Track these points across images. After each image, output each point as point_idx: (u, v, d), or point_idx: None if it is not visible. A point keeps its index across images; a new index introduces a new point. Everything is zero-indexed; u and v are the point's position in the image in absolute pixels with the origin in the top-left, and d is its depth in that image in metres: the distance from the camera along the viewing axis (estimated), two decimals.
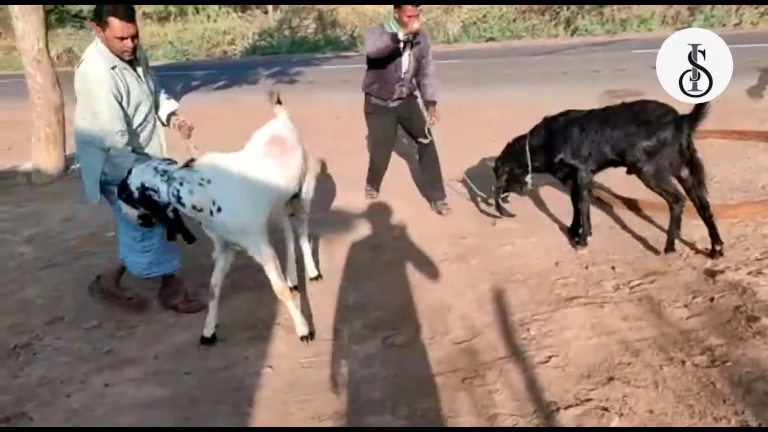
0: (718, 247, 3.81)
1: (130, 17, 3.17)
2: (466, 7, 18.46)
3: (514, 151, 4.46)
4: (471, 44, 16.93)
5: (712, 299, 3.27)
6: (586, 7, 16.65)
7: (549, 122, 4.26)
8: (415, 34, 4.70)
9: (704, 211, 3.86)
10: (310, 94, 10.76)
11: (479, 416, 2.60)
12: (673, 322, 3.13)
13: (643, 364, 2.81)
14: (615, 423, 2.45)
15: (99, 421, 2.78)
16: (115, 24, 3.14)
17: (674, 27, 15.43)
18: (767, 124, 6.37)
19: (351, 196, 5.51)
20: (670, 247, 3.94)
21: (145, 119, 3.52)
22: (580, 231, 4.19)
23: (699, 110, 3.75)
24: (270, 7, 21.30)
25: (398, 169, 5.91)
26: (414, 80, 5.05)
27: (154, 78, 3.64)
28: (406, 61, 4.89)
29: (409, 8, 4.62)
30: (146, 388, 3.02)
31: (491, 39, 17.10)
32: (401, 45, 4.76)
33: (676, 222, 3.92)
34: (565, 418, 2.52)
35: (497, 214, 4.65)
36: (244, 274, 4.15)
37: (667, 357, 2.84)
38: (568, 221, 4.61)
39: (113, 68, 3.25)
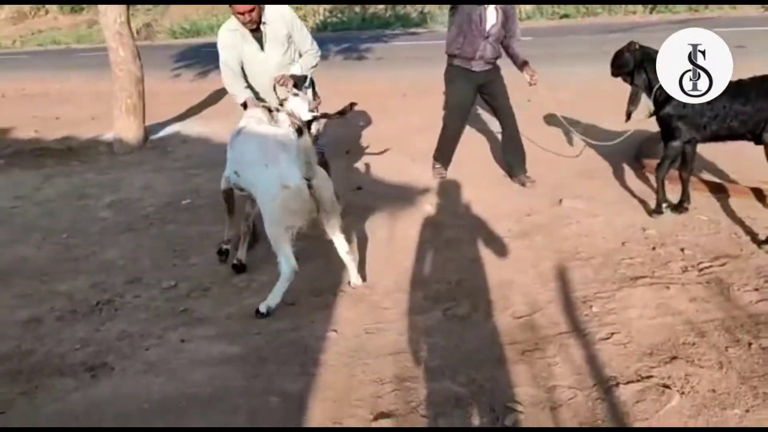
0: None
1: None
2: None
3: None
4: (544, 21, 16.52)
5: None
6: None
7: None
8: None
9: None
10: (378, 71, 10.81)
11: (538, 387, 2.64)
12: (742, 305, 3.07)
13: (708, 345, 2.77)
14: (675, 400, 2.44)
15: (174, 373, 2.96)
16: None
17: (761, 5, 14.65)
18: None
19: (416, 173, 5.55)
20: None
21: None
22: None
23: None
24: None
25: (463, 144, 5.88)
26: (499, 44, 4.96)
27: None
28: (492, 14, 4.82)
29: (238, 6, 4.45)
30: (219, 345, 3.19)
31: (566, 16, 16.62)
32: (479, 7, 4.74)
33: None
34: (625, 394, 2.52)
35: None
36: (312, 243, 4.29)
37: (734, 339, 2.79)
38: (636, 200, 4.55)
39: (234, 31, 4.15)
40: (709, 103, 3.93)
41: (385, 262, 4.00)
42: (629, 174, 5.07)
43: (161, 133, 7.99)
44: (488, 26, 4.83)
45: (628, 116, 4.39)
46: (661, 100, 4.13)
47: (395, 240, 4.32)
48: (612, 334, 2.94)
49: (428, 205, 4.84)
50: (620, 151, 5.29)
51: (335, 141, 6.70)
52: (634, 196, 4.66)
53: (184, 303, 3.66)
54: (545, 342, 2.95)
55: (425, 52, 12.12)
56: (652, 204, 4.41)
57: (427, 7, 18.99)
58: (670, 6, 15.49)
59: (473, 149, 6.11)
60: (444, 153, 5.46)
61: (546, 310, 3.24)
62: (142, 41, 20.20)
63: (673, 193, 4.41)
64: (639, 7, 16.02)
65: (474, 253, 4.00)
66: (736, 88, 3.91)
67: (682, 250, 3.76)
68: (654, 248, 3.82)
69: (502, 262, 3.83)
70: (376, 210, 4.80)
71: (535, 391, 2.62)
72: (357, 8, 20.11)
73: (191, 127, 8.28)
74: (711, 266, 3.52)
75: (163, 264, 4.21)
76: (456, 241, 4.20)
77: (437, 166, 5.51)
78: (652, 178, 4.90)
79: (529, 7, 17.58)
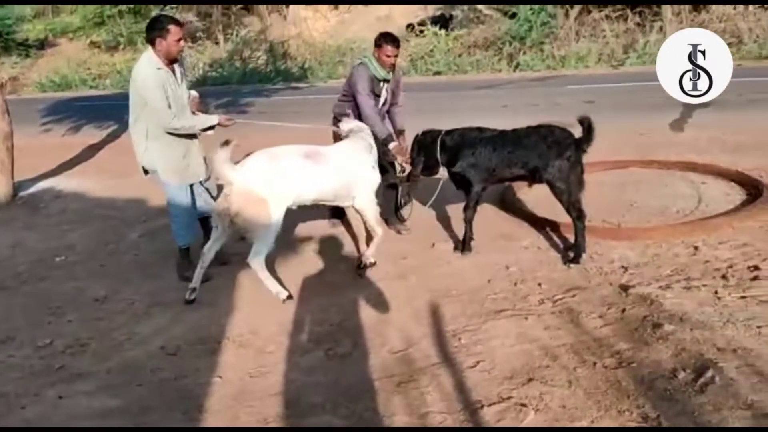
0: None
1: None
2: (413, 42, 19.05)
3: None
4: (418, 77, 17.44)
5: (623, 310, 3.63)
6: (528, 43, 17.41)
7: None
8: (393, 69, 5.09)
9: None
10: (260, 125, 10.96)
11: (411, 415, 2.86)
12: (588, 330, 3.47)
13: (559, 367, 3.12)
14: (531, 417, 2.74)
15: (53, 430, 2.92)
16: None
17: (609, 64, 16.32)
18: (686, 156, 6.90)
19: (300, 220, 5.73)
20: (577, 258, 4.39)
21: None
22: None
23: (588, 133, 4.25)
24: (221, 38, 21.54)
25: None
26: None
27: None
28: (383, 95, 5.20)
29: (389, 48, 4.94)
30: (99, 399, 3.17)
31: (438, 73, 17.67)
32: (381, 84, 5.10)
33: (582, 235, 4.42)
34: (488, 414, 2.80)
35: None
36: (199, 291, 4.35)
37: (581, 360, 3.16)
38: (500, 242, 4.97)
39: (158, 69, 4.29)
40: (494, 150, 4.49)
41: (270, 307, 4.12)
42: (494, 218, 5.51)
43: (32, 189, 7.70)
44: (380, 105, 5.21)
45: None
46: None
47: (280, 284, 4.46)
48: (478, 362, 3.23)
49: (311, 252, 5.02)
50: (486, 198, 5.75)
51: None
52: (498, 237, 5.08)
53: (60, 360, 3.60)
54: (419, 373, 3.19)
55: (307, 107, 12.48)
56: (515, 244, 4.86)
57: (308, 62, 19.51)
58: (532, 65, 16.89)
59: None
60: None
61: (420, 344, 3.50)
62: (8, 95, 19.24)
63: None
64: (504, 65, 17.34)
65: (355, 295, 4.21)
66: (514, 137, 4.52)
67: (540, 284, 4.16)
68: (516, 284, 4.21)
69: (380, 303, 4.07)
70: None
71: (409, 418, 2.84)
72: (237, 63, 20.30)
73: (65, 183, 8.04)
74: (563, 297, 3.93)
75: (37, 322, 4.11)
76: (338, 285, 4.41)
77: (333, 219, 5.66)
78: (514, 221, 5.39)
79: (404, 64, 18.53)
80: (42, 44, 24.28)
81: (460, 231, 5.16)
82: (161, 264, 4.94)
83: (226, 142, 3.98)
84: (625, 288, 3.94)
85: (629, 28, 17.37)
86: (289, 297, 4.17)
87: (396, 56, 5.02)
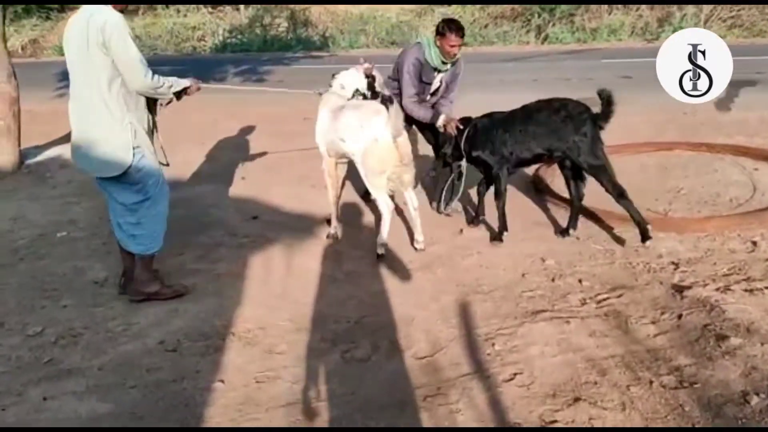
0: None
1: None
2: (439, 11, 18.42)
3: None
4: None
5: (679, 316, 3.20)
6: (558, 15, 16.73)
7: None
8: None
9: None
10: (278, 94, 10.55)
11: None
12: (640, 339, 3.05)
13: (609, 384, 2.71)
14: None
15: None
16: None
17: (643, 38, 15.61)
18: (735, 138, 6.40)
19: (316, 200, 5.34)
20: (645, 239, 4.01)
21: None
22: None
23: (607, 107, 3.95)
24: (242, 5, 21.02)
25: None
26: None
27: None
28: (436, 85, 4.82)
29: (453, 38, 4.54)
30: (87, 402, 2.83)
31: (463, 44, 17.07)
32: (434, 72, 4.71)
33: (636, 212, 4.04)
34: None
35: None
36: (203, 278, 4.00)
37: (635, 377, 2.75)
38: (535, 230, 4.55)
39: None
40: (505, 131, 4.17)
41: (281, 298, 3.75)
42: (525, 202, 5.08)
43: (39, 157, 7.35)
44: (428, 95, 4.89)
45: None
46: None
47: (293, 273, 4.09)
48: (515, 374, 2.83)
49: (326, 234, 4.64)
50: (516, 179, 5.31)
51: (230, 166, 6.42)
52: (532, 225, 4.66)
53: (50, 352, 3.26)
54: (447, 386, 2.80)
55: (327, 76, 12.00)
56: (550, 233, 4.45)
57: (329, 30, 18.96)
58: (561, 37, 16.22)
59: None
60: None
61: (448, 349, 3.11)
62: (27, 58, 18.98)
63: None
64: (532, 38, 16.67)
65: (375, 287, 3.83)
66: (523, 115, 4.20)
67: (580, 281, 3.74)
68: (553, 279, 3.79)
69: (403, 297, 3.67)
70: (273, 241, 4.56)
71: None
72: (258, 30, 19.79)
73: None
74: (608, 297, 3.51)
75: (30, 306, 3.77)
76: (356, 274, 4.02)
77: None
78: (549, 206, 4.95)
79: (429, 34, 17.90)
80: (63, 6, 23.88)
81: (490, 216, 4.75)
82: (168, 244, 4.57)
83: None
84: (678, 289, 3.52)
85: None
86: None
87: (460, 46, 4.62)
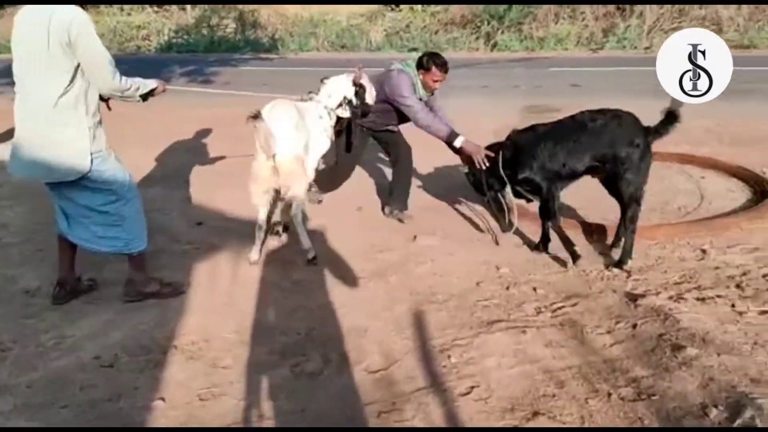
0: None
1: None
2: (389, 16, 18.41)
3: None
4: (394, 53, 16.82)
5: (634, 325, 3.17)
6: (506, 23, 16.91)
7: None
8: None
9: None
10: (226, 95, 10.29)
11: None
12: (596, 349, 3.01)
13: (568, 397, 2.65)
14: None
15: None
16: None
17: (588, 48, 15.91)
18: (681, 146, 6.50)
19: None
20: (621, 264, 3.90)
21: None
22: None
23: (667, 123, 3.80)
24: (188, 4, 20.53)
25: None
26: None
27: None
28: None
29: (438, 73, 4.45)
30: (14, 422, 2.61)
31: (413, 49, 17.00)
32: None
33: (632, 238, 3.95)
34: None
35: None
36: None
37: (593, 389, 2.69)
38: (489, 237, 4.49)
39: None
40: (556, 144, 3.93)
41: (226, 309, 3.57)
42: (482, 211, 5.01)
43: None
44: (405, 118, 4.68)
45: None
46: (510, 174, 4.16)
47: (239, 282, 3.91)
48: (472, 387, 2.74)
49: (276, 241, 4.47)
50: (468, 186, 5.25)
51: (178, 170, 6.18)
52: (485, 231, 4.60)
53: None
54: (403, 400, 2.68)
55: (276, 77, 11.80)
56: (505, 241, 4.40)
57: (279, 33, 18.71)
58: (509, 45, 16.40)
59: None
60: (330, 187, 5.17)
61: (402, 361, 2.99)
62: None
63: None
64: (482, 45, 16.81)
65: (325, 297, 3.69)
66: (576, 125, 3.97)
67: (535, 289, 3.69)
68: (508, 288, 3.73)
69: (355, 307, 3.54)
70: (218, 248, 4.37)
71: None
72: (205, 30, 19.37)
73: (7, 151, 7.27)
74: (563, 306, 3.46)
75: None
76: (306, 283, 3.88)
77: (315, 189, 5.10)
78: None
79: (379, 39, 17.88)
80: (2, 2, 22.88)
81: (443, 223, 4.68)
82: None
83: (258, 115, 3.76)
84: (632, 297, 3.50)
85: (609, 11, 16.98)
86: (315, 258, 4.09)
87: (442, 81, 4.53)
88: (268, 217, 4.27)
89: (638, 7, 16.43)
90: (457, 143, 4.38)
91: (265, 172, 3.97)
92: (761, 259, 3.93)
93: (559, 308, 3.45)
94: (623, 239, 4.00)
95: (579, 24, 16.82)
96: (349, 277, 3.91)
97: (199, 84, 11.76)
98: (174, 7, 20.69)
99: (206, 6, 19.81)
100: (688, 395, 2.59)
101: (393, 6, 18.58)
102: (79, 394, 2.80)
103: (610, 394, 2.64)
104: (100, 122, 3.36)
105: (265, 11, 19.63)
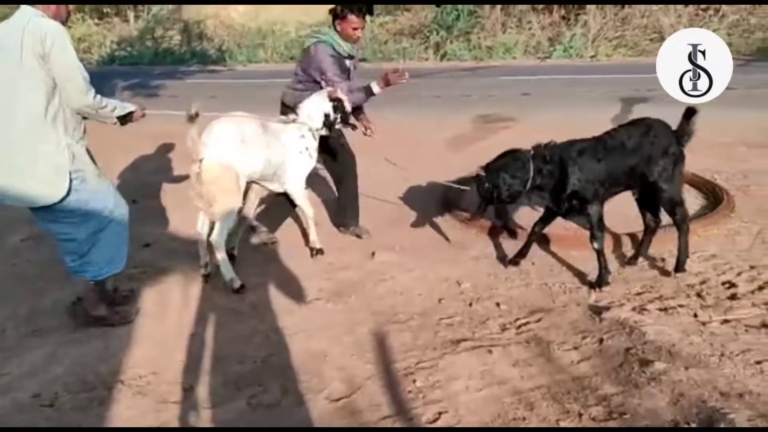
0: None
1: None
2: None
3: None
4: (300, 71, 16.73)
5: (601, 340, 3.12)
6: (455, 32, 17.02)
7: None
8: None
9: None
10: (172, 109, 10.01)
11: None
12: (564, 367, 2.93)
13: (539, 419, 2.56)
14: None
15: None
16: None
17: (535, 56, 16.13)
18: None
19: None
20: (680, 268, 3.83)
21: None
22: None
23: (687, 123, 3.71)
24: (131, 15, 20.01)
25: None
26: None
27: None
28: (352, 74, 4.51)
29: (355, 20, 4.23)
30: None
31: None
32: (346, 61, 4.39)
33: (686, 242, 3.86)
34: None
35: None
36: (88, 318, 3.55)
37: (563, 409, 2.61)
38: (448, 252, 4.40)
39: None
40: (599, 161, 3.71)
41: (177, 336, 3.37)
42: (438, 222, 4.92)
43: None
44: None
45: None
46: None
47: (189, 307, 3.71)
48: (439, 413, 2.63)
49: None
50: (424, 198, 5.17)
51: (122, 189, 5.89)
52: (445, 246, 4.51)
53: None
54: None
55: (224, 90, 11.54)
56: (464, 254, 4.31)
57: (226, 44, 18.40)
58: (459, 54, 16.51)
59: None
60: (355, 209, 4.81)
61: (365, 388, 2.85)
62: None
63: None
64: (431, 54, 16.86)
65: (283, 320, 3.52)
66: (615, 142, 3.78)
67: (498, 305, 3.61)
68: (471, 304, 3.64)
69: (314, 331, 3.39)
70: (167, 270, 4.15)
71: None
72: (149, 42, 18.92)
73: None
74: (528, 322, 3.39)
75: None
76: (261, 306, 3.70)
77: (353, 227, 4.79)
78: (460, 227, 4.82)
79: None
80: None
81: (401, 237, 4.57)
82: (46, 277, 4.07)
83: (196, 115, 3.56)
84: (596, 311, 3.45)
85: (554, 20, 17.28)
86: (242, 287, 3.85)
87: (363, 28, 4.33)
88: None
89: (582, 17, 16.77)
90: (376, 90, 4.28)
91: (192, 177, 3.85)
92: (719, 267, 3.95)
93: (524, 324, 3.37)
94: (679, 242, 3.87)
95: (526, 33, 17.04)
96: (307, 300, 3.75)
97: (145, 97, 11.41)
98: (116, 19, 20.17)
99: (150, 17, 19.37)
100: (659, 412, 2.53)
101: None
102: None
103: (581, 415, 2.56)
104: (83, 141, 3.21)
105: (211, 22, 19.30)
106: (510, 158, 3.82)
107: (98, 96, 3.11)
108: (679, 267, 3.87)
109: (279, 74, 15.43)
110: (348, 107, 4.24)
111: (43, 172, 3.03)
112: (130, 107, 3.33)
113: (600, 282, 3.75)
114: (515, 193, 3.80)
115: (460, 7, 17.07)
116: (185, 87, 12.89)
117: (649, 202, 3.99)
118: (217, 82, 13.64)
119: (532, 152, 3.81)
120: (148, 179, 6.12)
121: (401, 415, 2.64)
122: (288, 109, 4.38)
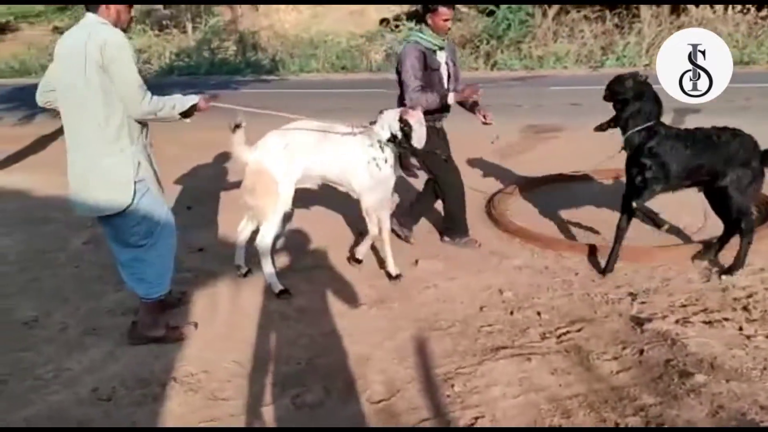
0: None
1: None
2: (389, 37, 18.49)
3: None
4: (393, 74, 16.91)
5: (641, 351, 3.12)
6: (506, 42, 17.00)
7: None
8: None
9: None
10: (227, 119, 10.32)
11: None
12: (603, 376, 2.95)
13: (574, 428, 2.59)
14: None
15: None
16: None
17: (587, 66, 15.96)
18: None
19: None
20: (732, 271, 3.92)
21: None
22: None
23: None
24: (189, 26, 20.69)
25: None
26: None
27: None
28: (445, 69, 4.54)
29: (445, 11, 4.31)
30: None
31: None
32: (437, 54, 4.47)
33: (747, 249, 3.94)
34: None
35: None
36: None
37: (600, 418, 2.64)
38: (491, 261, 4.44)
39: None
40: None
41: (226, 338, 3.53)
42: (480, 230, 4.97)
43: None
44: (446, 83, 4.56)
45: (598, 128, 4.29)
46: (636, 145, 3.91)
47: (239, 311, 3.87)
48: (476, 418, 2.69)
49: (277, 269, 4.42)
50: (469, 206, 5.20)
51: (174, 195, 6.15)
52: (488, 255, 4.55)
53: None
54: None
55: (276, 101, 11.83)
56: (507, 263, 4.35)
57: (279, 54, 18.82)
58: (509, 64, 16.46)
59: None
60: (461, 217, 4.76)
61: (405, 391, 2.94)
62: None
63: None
64: (481, 64, 16.87)
65: (328, 324, 3.64)
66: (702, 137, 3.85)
67: (539, 314, 3.64)
68: (512, 313, 3.68)
69: (357, 335, 3.49)
70: (219, 275, 4.33)
71: None
72: (206, 53, 19.52)
73: (6, 178, 7.31)
74: (568, 332, 3.41)
75: None
76: (308, 311, 3.83)
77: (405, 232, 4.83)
78: (504, 235, 4.87)
79: (380, 59, 17.96)
80: (3, 28, 23.23)
81: (444, 246, 4.64)
82: (106, 279, 4.30)
83: (238, 126, 3.84)
84: (638, 321, 3.44)
85: (608, 29, 17.06)
86: (284, 292, 3.98)
87: (453, 19, 4.43)
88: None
89: (637, 25, 16.51)
90: (450, 100, 4.37)
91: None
92: (767, 281, 3.88)
93: (564, 333, 3.40)
94: (739, 248, 3.93)
95: (578, 42, 16.88)
96: (351, 305, 3.86)
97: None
98: (175, 30, 20.89)
99: (207, 29, 19.97)
100: (697, 423, 2.53)
101: (392, 27, 18.67)
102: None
103: (617, 424, 2.58)
104: (147, 149, 3.29)
105: (264, 33, 19.79)
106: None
107: (155, 98, 3.13)
108: (730, 271, 3.90)
109: (330, 84, 15.79)
110: (415, 135, 4.06)
111: (109, 181, 3.14)
112: (191, 100, 3.30)
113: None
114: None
115: (511, 16, 17.05)
116: (240, 96, 13.24)
117: (719, 208, 4.05)
118: (271, 92, 13.98)
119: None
120: (201, 186, 6.36)
121: (439, 418, 2.71)
122: None
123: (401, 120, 4.05)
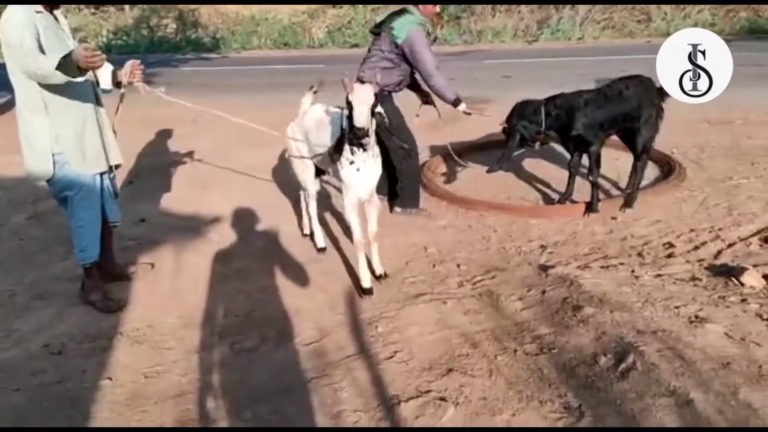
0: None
1: None
2: (331, 12, 18.60)
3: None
4: (335, 50, 17.06)
5: (543, 292, 3.52)
6: (446, 17, 17.31)
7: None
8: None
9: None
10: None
11: (324, 414, 2.64)
12: (508, 314, 3.34)
13: (479, 355, 2.97)
14: (451, 412, 2.58)
15: None
16: None
17: (524, 39, 16.45)
18: None
19: (206, 201, 5.36)
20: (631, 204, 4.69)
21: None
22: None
23: None
24: (126, 4, 20.29)
25: (254, 168, 5.83)
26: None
27: None
28: None
29: (437, 6, 4.71)
30: None
31: (355, 45, 17.28)
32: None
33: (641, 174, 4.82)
34: (406, 411, 2.61)
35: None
36: None
37: (501, 347, 3.02)
38: (419, 221, 4.78)
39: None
40: (599, 107, 4.48)
41: (170, 298, 3.79)
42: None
43: None
44: None
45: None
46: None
47: (182, 274, 4.11)
48: (395, 352, 3.04)
49: (217, 235, 4.68)
50: None
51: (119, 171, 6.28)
52: (416, 216, 4.90)
53: None
54: (332, 367, 2.96)
55: (217, 78, 11.89)
56: (434, 224, 4.71)
57: (220, 32, 18.70)
58: (449, 39, 16.80)
59: (267, 174, 6.05)
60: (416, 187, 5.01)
61: (334, 334, 3.27)
62: None
63: None
64: None
65: (264, 282, 3.93)
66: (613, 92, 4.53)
67: (458, 265, 4.01)
68: (434, 266, 4.04)
69: (292, 290, 3.80)
70: (161, 243, 4.55)
71: (321, 418, 2.62)
72: (145, 31, 19.21)
73: None
74: (483, 279, 3.79)
75: None
76: (246, 272, 4.10)
77: (413, 210, 4.95)
78: (432, 199, 5.22)
79: (321, 35, 18.06)
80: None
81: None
82: (49, 251, 4.48)
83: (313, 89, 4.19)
84: (544, 268, 3.85)
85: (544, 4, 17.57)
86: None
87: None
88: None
89: None
90: (460, 108, 4.78)
91: None
92: (662, 230, 4.35)
93: (479, 281, 3.78)
94: (630, 178, 4.80)
95: (515, 17, 17.35)
96: (287, 264, 4.16)
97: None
98: (112, 9, 20.44)
99: (145, 6, 19.63)
100: (582, 347, 2.93)
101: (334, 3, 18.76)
102: (30, 379, 2.99)
103: (516, 351, 2.97)
104: (74, 121, 3.35)
105: (205, 10, 19.58)
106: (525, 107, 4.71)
107: (40, 58, 3.04)
108: (629, 203, 4.68)
109: (272, 60, 15.81)
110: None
111: (30, 149, 3.32)
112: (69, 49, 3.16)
113: (592, 208, 4.66)
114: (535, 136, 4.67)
115: None
116: (180, 74, 13.23)
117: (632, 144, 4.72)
118: (212, 69, 13.97)
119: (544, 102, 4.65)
120: (142, 162, 6.50)
121: (362, 354, 3.05)
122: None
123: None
